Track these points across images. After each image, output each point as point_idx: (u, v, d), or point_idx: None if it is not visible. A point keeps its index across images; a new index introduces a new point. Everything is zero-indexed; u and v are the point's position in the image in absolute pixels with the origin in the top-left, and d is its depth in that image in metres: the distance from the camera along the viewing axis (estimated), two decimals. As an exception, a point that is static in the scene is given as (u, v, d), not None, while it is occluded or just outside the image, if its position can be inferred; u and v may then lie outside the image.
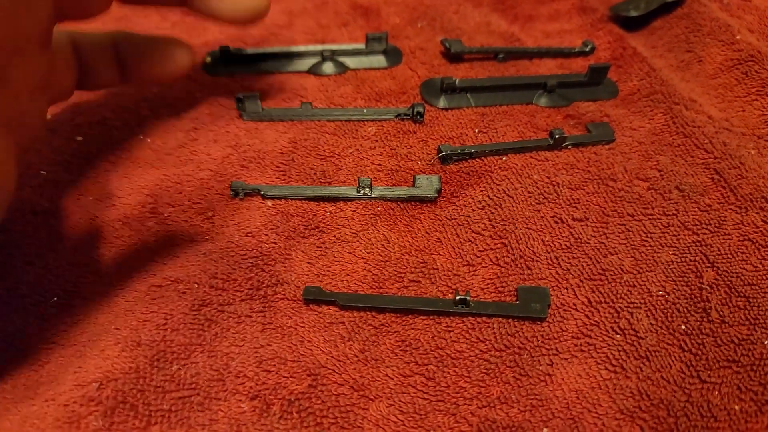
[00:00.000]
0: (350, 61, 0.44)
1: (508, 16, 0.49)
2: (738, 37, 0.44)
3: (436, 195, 0.34)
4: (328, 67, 0.43)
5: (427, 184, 0.35)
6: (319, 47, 0.44)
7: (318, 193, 0.34)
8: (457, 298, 0.29)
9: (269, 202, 0.34)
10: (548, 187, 0.35)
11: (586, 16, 0.49)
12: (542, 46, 0.46)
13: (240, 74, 0.43)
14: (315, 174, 0.36)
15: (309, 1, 0.50)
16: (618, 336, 0.29)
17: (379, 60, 0.44)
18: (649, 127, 0.39)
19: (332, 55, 0.43)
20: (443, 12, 0.49)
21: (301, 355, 0.28)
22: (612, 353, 0.28)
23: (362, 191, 0.34)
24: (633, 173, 0.36)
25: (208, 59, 0.44)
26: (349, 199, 0.34)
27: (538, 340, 0.29)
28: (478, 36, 0.47)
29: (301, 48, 0.44)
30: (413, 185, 0.35)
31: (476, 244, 0.33)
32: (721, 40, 0.44)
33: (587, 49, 0.46)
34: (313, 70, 0.43)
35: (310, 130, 0.39)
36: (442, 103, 0.41)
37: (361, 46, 0.44)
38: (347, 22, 0.48)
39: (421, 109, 0.39)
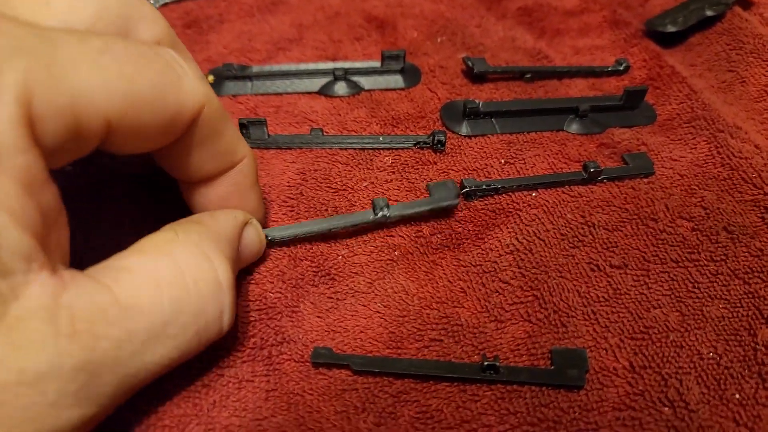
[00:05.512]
0: (364, 81, 0.40)
1: (534, 30, 0.46)
2: (784, 57, 0.40)
3: (458, 201, 0.32)
4: (341, 88, 0.40)
5: (444, 192, 0.32)
6: (330, 65, 0.41)
7: (332, 225, 0.31)
8: (485, 363, 0.26)
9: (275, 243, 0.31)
10: (583, 228, 0.32)
11: (619, 30, 0.46)
12: (572, 64, 0.43)
13: (244, 95, 0.40)
14: (326, 210, 0.33)
15: (320, 12, 0.47)
16: (666, 408, 0.26)
17: (396, 80, 0.41)
18: (691, 157, 0.36)
19: (345, 74, 0.40)
20: (465, 25, 0.45)
21: (310, 429, 0.25)
22: (660, 430, 0.25)
23: (380, 213, 0.31)
24: (675, 212, 0.33)
25: (211, 78, 0.40)
26: (366, 224, 0.31)
27: (575, 412, 0.26)
28: (502, 52, 0.43)
29: (311, 66, 0.41)
30: (430, 195, 0.32)
31: (504, 296, 0.29)
32: (765, 59, 0.41)
33: (621, 68, 0.42)
34: (324, 91, 0.40)
35: (321, 159, 0.36)
36: (464, 129, 0.37)
37: (377, 63, 0.41)
38: (361, 36, 0.45)
39: (442, 138, 0.35)
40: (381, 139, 0.36)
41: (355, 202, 0.33)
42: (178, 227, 0.24)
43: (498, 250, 0.31)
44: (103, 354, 0.19)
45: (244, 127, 0.36)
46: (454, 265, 0.31)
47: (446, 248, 0.31)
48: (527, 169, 0.35)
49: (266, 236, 0.30)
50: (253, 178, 0.28)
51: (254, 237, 0.28)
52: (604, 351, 0.28)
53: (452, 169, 0.35)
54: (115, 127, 0.20)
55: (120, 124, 0.20)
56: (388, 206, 0.31)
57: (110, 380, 0.20)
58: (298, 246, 0.31)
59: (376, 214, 0.31)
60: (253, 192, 0.29)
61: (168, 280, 0.22)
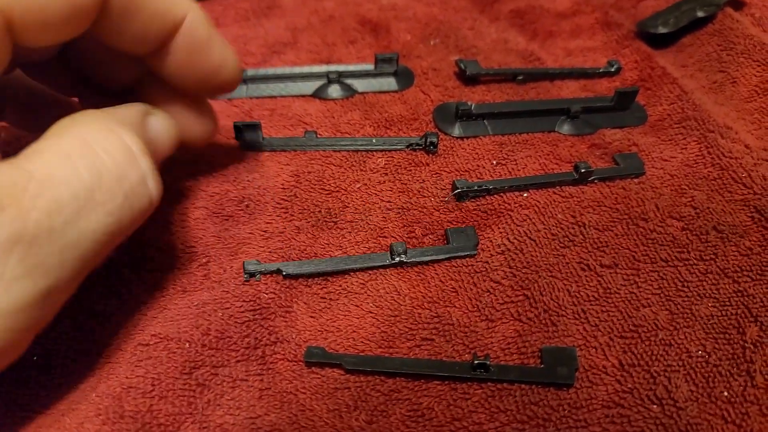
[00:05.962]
0: (358, 84, 0.41)
1: (526, 32, 0.46)
2: (775, 57, 0.41)
3: (476, 251, 0.31)
4: (335, 91, 0.40)
5: (463, 239, 0.31)
6: (324, 68, 0.41)
7: (348, 266, 0.30)
8: (476, 362, 0.26)
9: (271, 245, 0.32)
10: (573, 228, 0.32)
11: (611, 32, 0.46)
12: (564, 65, 0.43)
13: (239, 98, 0.40)
14: (320, 212, 0.33)
15: (314, 16, 0.47)
16: (655, 406, 0.26)
17: (390, 82, 0.41)
18: (681, 157, 0.36)
19: (339, 77, 0.40)
20: (458, 28, 0.46)
21: (303, 427, 0.25)
22: (648, 427, 0.25)
23: (397, 258, 0.31)
24: (665, 211, 0.33)
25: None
26: (383, 267, 0.31)
27: (564, 410, 0.26)
28: (495, 54, 0.44)
29: (306, 69, 0.41)
30: (446, 241, 0.32)
31: (495, 296, 0.30)
32: (755, 60, 0.41)
33: (612, 69, 0.43)
34: (318, 94, 0.40)
35: (315, 161, 0.36)
36: (457, 131, 0.38)
37: (370, 66, 0.41)
38: (355, 40, 0.45)
39: (434, 139, 0.36)
40: (374, 141, 0.37)
41: (348, 203, 0.34)
42: (75, 114, 0.24)
43: (489, 250, 0.32)
44: (36, 224, 0.19)
45: (239, 130, 0.36)
46: (445, 265, 0.31)
47: (438, 249, 0.32)
48: (519, 170, 0.36)
49: (281, 271, 0.30)
50: (207, 31, 0.27)
51: (160, 126, 0.27)
52: (594, 349, 0.28)
53: (444, 170, 0.35)
54: (9, 12, 0.20)
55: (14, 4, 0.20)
56: (405, 252, 0.31)
57: (51, 250, 0.20)
58: (293, 247, 0.32)
59: (392, 259, 0.31)
60: (214, 44, 0.27)
61: (78, 153, 0.21)
